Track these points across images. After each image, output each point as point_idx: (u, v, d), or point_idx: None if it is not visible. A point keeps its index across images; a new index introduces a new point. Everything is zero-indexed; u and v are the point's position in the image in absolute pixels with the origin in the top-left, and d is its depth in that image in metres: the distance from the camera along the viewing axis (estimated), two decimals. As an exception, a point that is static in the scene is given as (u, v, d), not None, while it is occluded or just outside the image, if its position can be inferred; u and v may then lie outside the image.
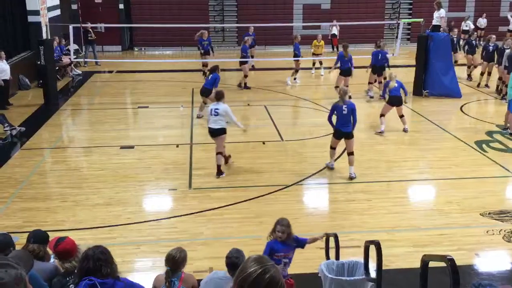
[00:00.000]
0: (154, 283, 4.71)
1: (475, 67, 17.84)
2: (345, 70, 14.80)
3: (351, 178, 9.40)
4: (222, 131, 9.48)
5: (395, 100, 12.02)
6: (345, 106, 9.26)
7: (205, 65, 18.09)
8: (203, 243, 7.25)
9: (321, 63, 19.15)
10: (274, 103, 14.68)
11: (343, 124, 9.36)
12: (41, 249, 4.54)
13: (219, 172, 9.54)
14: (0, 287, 2.05)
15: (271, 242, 5.41)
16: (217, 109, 9.40)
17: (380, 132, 12.01)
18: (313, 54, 18.96)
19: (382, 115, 12.16)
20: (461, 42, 21.41)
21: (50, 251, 4.55)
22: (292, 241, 5.47)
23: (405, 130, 12.18)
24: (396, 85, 12.02)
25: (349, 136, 9.41)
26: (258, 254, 2.31)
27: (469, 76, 18.03)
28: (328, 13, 24.88)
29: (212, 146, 9.72)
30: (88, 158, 10.85)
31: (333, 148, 9.71)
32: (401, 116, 12.20)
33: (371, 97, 15.34)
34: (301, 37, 20.81)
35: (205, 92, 12.95)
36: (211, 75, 12.98)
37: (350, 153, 9.51)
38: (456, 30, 20.44)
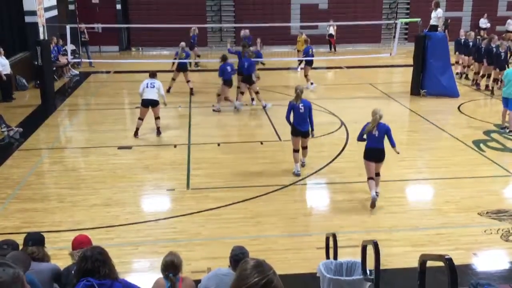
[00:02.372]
0: (154, 287, 4.69)
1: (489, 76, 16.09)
2: (227, 80, 14.05)
3: (296, 174, 9.56)
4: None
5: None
6: (302, 104, 9.32)
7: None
8: (201, 243, 7.24)
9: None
10: (272, 103, 14.65)
11: (299, 123, 9.43)
12: (40, 250, 4.70)
13: None
14: None
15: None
16: None
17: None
18: (298, 51, 20.25)
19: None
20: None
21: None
22: None
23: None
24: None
25: (306, 134, 9.56)
26: (256, 258, 2.23)
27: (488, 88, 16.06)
28: (326, 13, 24.92)
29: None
30: (86, 158, 10.83)
31: (296, 150, 9.64)
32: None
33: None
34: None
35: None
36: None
37: (304, 147, 9.78)
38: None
